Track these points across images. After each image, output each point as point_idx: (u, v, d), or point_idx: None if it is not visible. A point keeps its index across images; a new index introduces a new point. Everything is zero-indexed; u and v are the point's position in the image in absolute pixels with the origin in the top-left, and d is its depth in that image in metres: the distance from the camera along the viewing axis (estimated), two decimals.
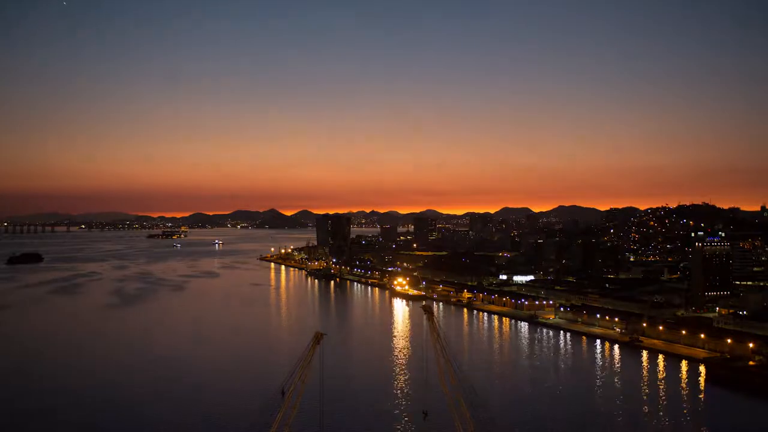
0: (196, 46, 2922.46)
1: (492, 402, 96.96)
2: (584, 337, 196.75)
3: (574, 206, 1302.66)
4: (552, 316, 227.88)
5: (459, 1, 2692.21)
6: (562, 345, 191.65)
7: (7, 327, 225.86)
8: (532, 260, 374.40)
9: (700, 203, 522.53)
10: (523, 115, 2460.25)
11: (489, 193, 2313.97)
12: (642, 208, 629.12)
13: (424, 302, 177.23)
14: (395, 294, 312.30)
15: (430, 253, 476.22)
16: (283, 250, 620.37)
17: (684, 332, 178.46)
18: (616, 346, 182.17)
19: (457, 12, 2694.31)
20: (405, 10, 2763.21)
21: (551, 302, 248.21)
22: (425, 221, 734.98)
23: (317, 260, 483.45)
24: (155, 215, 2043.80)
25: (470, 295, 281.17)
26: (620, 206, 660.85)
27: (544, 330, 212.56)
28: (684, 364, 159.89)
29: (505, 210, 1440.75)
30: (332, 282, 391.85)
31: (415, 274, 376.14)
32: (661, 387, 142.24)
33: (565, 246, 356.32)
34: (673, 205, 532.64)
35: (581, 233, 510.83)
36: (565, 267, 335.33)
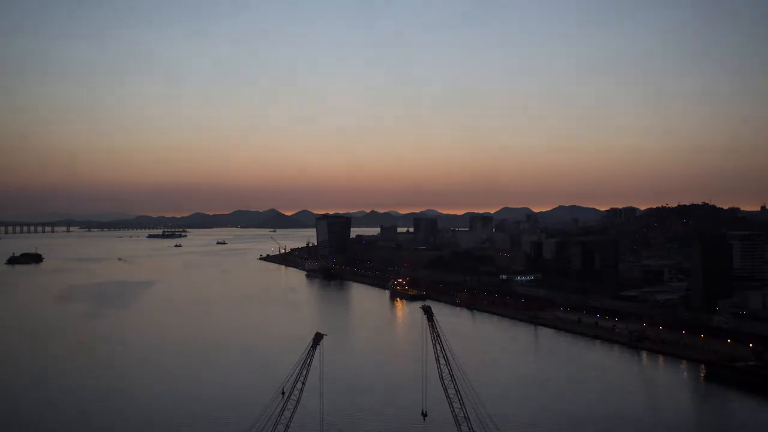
0: (195, 47, 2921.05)
1: (491, 402, 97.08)
2: (584, 338, 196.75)
3: (574, 206, 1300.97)
4: (552, 317, 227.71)
5: (464, 4, 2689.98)
6: (561, 345, 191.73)
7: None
8: (532, 260, 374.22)
9: (700, 203, 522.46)
10: (524, 115, 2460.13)
11: (489, 193, 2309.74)
12: (642, 208, 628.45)
13: (423, 302, 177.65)
14: (395, 294, 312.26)
15: (430, 253, 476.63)
16: (283, 250, 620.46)
17: (684, 332, 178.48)
18: (616, 347, 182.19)
19: (457, 11, 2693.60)
20: (407, 13, 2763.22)
21: (551, 302, 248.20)
22: (425, 221, 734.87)
23: (317, 260, 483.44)
24: (155, 215, 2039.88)
25: (470, 296, 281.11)
26: (620, 206, 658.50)
27: (544, 330, 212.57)
28: (684, 364, 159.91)
29: (505, 210, 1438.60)
30: (332, 282, 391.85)
31: (414, 274, 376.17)
32: (661, 387, 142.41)
33: (565, 246, 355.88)
34: (673, 205, 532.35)
35: (581, 233, 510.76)
36: (565, 267, 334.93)
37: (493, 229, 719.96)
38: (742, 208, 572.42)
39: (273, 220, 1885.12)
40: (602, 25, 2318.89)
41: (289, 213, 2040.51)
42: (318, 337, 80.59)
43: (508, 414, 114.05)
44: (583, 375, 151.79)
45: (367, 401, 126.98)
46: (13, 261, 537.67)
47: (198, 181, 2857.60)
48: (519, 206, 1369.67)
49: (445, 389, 79.95)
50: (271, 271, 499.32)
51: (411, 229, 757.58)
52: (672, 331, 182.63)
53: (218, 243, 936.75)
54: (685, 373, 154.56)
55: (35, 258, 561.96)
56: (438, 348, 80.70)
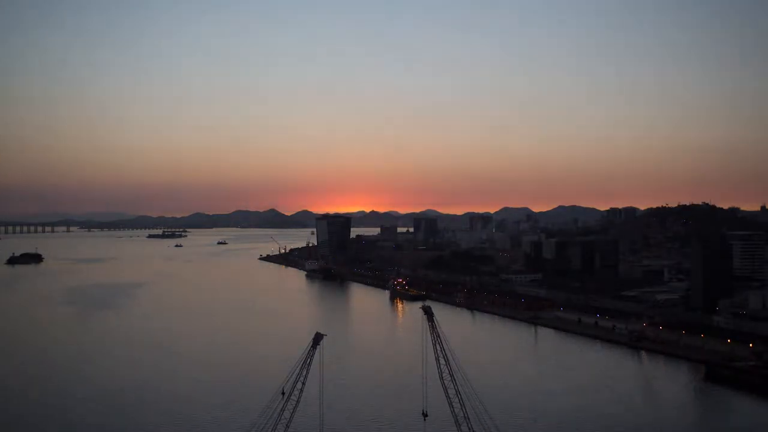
0: (194, 47, 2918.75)
1: (491, 402, 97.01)
2: (584, 338, 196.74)
3: (574, 206, 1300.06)
4: (552, 317, 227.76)
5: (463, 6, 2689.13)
6: (561, 345, 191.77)
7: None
8: (532, 260, 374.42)
9: (700, 203, 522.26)
10: (523, 114, 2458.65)
11: (489, 193, 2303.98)
12: (642, 208, 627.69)
13: (423, 302, 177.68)
14: (395, 294, 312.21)
15: (430, 253, 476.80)
16: (283, 250, 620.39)
17: (684, 332, 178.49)
18: (615, 347, 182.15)
19: (455, 9, 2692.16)
20: (405, 15, 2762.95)
21: (551, 302, 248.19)
22: (425, 221, 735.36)
23: (317, 260, 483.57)
24: (155, 215, 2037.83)
25: (470, 296, 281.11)
26: (620, 206, 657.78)
27: (544, 330, 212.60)
28: (684, 365, 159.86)
29: (505, 210, 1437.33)
30: (332, 282, 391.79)
31: (414, 274, 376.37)
32: (661, 387, 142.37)
33: (565, 246, 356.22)
34: (673, 205, 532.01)
35: (581, 233, 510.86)
36: (565, 267, 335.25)
37: (493, 229, 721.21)
38: (742, 208, 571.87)
39: (273, 220, 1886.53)
40: (602, 22, 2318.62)
41: (289, 213, 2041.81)
42: (318, 337, 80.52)
43: (508, 414, 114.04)
44: (583, 375, 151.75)
45: (367, 401, 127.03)
46: (13, 261, 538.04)
47: (198, 181, 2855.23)
48: (519, 206, 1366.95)
49: (445, 389, 79.89)
50: (272, 271, 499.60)
51: (411, 229, 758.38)
52: (672, 331, 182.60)
53: (219, 243, 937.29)
54: (685, 373, 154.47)
55: (35, 258, 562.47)
56: (438, 348, 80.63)
